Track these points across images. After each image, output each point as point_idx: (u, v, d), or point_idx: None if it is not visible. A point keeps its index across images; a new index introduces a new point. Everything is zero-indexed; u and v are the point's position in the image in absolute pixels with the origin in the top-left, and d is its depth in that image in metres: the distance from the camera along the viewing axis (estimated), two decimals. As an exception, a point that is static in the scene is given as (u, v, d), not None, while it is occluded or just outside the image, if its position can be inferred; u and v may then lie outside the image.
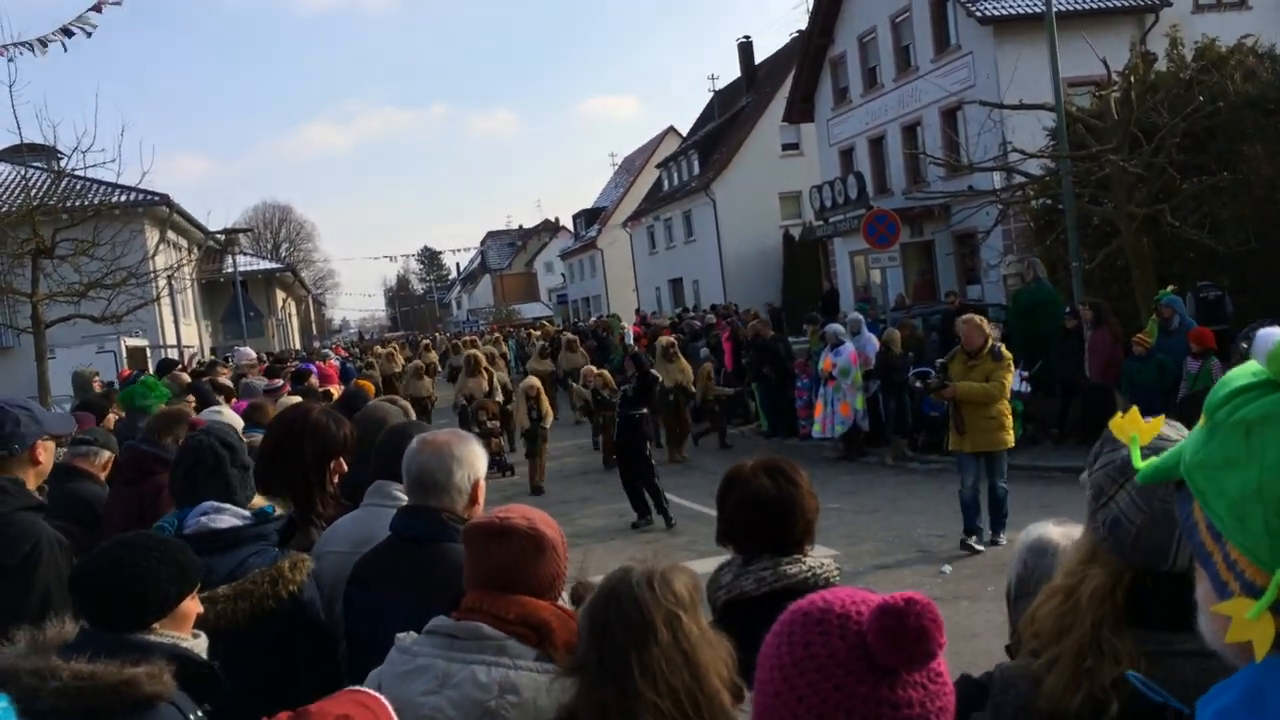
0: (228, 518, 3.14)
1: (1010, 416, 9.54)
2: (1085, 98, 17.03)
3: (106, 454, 5.11)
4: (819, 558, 2.78)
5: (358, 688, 1.63)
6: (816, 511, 2.80)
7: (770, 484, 2.75)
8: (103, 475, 5.14)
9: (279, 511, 3.31)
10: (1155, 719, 1.55)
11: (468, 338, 32.43)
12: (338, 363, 25.37)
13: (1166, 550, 1.59)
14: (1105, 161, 14.04)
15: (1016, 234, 21.51)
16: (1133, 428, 1.30)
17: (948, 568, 8.83)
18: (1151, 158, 13.81)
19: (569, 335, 24.59)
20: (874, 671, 1.28)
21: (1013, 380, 9.82)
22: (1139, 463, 1.17)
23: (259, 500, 3.38)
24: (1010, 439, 9.48)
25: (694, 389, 16.60)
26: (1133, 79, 14.52)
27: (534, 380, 15.07)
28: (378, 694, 1.61)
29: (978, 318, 9.88)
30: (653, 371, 12.89)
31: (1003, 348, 9.52)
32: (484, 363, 16.90)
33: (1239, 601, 0.95)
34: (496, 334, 36.72)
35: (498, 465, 15.04)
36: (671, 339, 17.58)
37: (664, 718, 1.93)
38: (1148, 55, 15.16)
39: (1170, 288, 13.11)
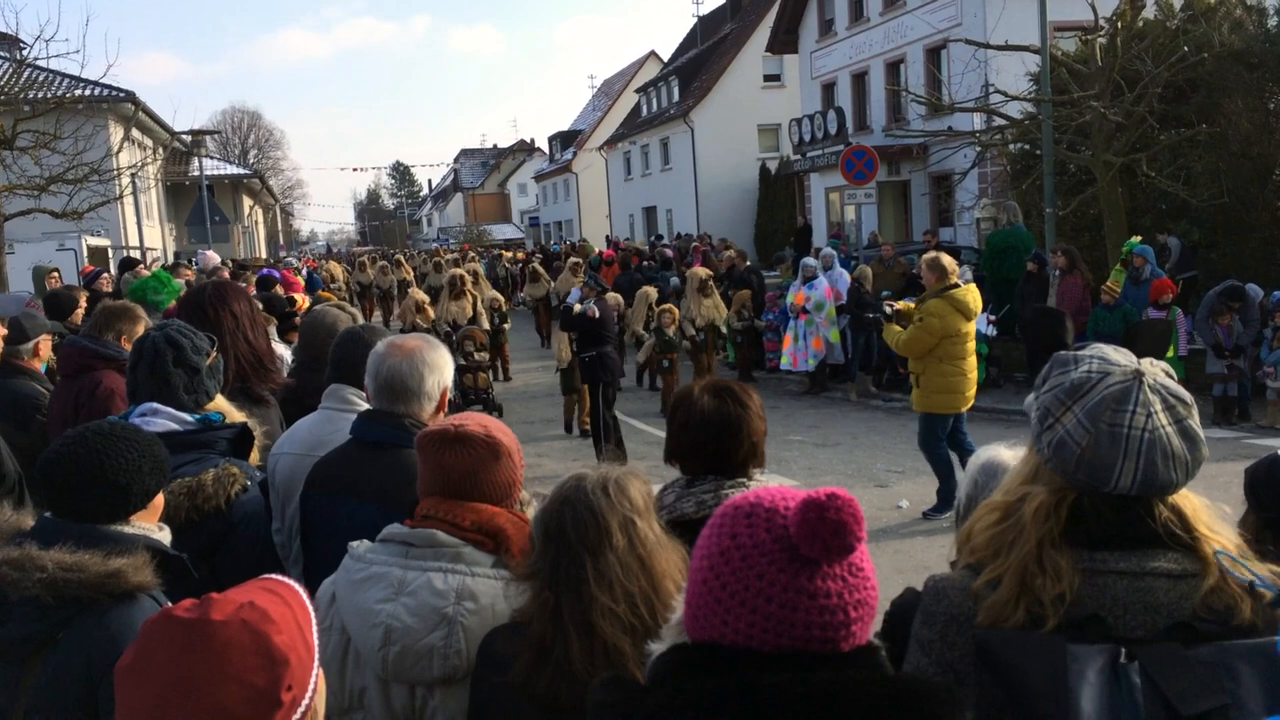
0: (163, 421, 2.98)
1: (953, 377, 8.20)
2: (1071, 42, 16.89)
3: (35, 340, 4.99)
4: (763, 482, 2.71)
5: (270, 575, 1.56)
6: (764, 435, 2.74)
7: (717, 404, 2.69)
8: (38, 363, 5.01)
9: (229, 420, 3.16)
10: (1085, 632, 1.59)
11: (448, 256, 31.43)
12: (301, 270, 24.97)
13: (1110, 471, 1.62)
14: (1086, 108, 13.97)
15: (993, 178, 21.48)
16: None
17: (905, 502, 8.94)
18: (1132, 106, 13.76)
19: (573, 259, 22.62)
20: (795, 562, 1.33)
21: (966, 326, 8.24)
22: None
23: (221, 403, 3.26)
24: (946, 401, 8.23)
25: (723, 326, 14.73)
26: (1119, 25, 14.39)
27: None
28: (291, 581, 1.55)
29: (933, 254, 8.67)
30: (577, 308, 10.91)
31: (962, 291, 8.21)
32: (469, 284, 15.11)
33: None
34: (471, 254, 35.98)
35: (484, 403, 12.93)
36: (708, 272, 15.05)
37: (619, 622, 1.93)
38: (1136, 2, 15.01)
39: (1137, 238, 13.15)
